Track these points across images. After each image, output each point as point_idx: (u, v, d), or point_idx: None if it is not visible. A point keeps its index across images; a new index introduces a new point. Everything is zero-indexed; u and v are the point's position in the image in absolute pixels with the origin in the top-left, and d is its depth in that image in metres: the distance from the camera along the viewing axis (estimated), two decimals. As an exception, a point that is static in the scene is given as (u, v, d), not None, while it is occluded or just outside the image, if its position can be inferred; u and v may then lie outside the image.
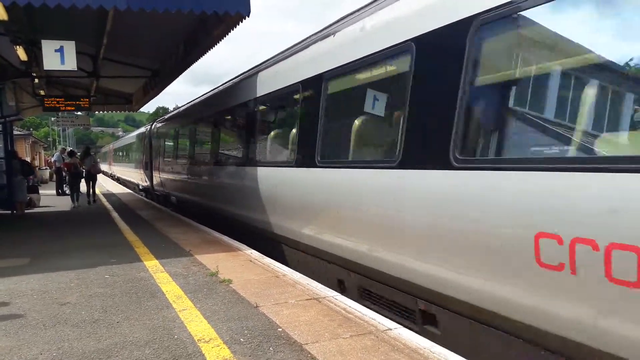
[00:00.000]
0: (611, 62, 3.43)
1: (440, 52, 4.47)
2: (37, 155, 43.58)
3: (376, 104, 5.85)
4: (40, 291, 5.88)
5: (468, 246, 4.02)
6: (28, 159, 28.74)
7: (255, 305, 5.07)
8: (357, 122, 5.91)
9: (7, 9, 8.06)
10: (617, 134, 3.49)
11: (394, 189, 4.90)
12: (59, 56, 9.49)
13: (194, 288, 5.81)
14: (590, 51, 3.53)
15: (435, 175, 4.37)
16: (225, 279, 6.13)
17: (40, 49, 9.70)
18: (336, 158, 6.34)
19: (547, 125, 3.97)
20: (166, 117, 20.35)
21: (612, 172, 3.01)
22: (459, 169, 4.09)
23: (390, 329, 4.29)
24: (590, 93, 3.50)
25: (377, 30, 5.42)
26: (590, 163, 3.24)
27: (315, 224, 6.55)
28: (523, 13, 3.72)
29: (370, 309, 5.10)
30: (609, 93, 3.52)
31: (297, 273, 6.54)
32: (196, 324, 4.57)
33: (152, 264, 7.17)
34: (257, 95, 8.81)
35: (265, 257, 7.56)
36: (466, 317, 4.22)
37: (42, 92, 17.43)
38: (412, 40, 4.79)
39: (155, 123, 22.17)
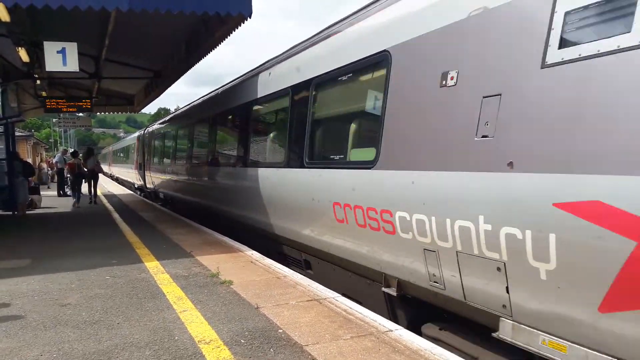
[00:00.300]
0: None
1: (301, 97, 7.03)
2: (38, 156, 43.70)
3: (273, 125, 8.92)
4: (41, 292, 5.88)
5: (309, 214, 6.57)
6: (30, 160, 28.82)
7: (256, 306, 5.06)
8: (271, 135, 8.79)
9: (10, 10, 8.08)
10: (356, 150, 5.80)
11: (283, 181, 7.51)
12: (61, 57, 9.51)
13: (195, 289, 5.81)
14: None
15: (297, 171, 6.96)
16: (226, 280, 6.12)
17: (42, 50, 9.72)
18: (261, 160, 8.90)
19: (335, 142, 6.46)
20: (155, 124, 23.37)
21: (350, 169, 5.66)
22: (307, 168, 6.58)
23: (391, 330, 4.29)
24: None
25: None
26: (342, 164, 5.92)
27: (254, 209, 8.78)
28: None
29: (287, 266, 7.30)
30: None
31: (298, 274, 6.54)
32: (197, 325, 4.57)
33: (153, 265, 7.17)
34: (216, 113, 11.97)
35: (266, 258, 7.56)
36: (321, 259, 6.77)
37: (43, 94, 17.45)
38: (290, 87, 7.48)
39: (146, 129, 25.45)
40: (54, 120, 39.33)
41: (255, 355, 3.84)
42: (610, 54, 3.00)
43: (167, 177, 17.47)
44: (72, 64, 9.56)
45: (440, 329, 4.71)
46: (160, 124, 21.15)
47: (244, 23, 8.82)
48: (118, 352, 3.97)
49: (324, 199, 6.07)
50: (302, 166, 6.75)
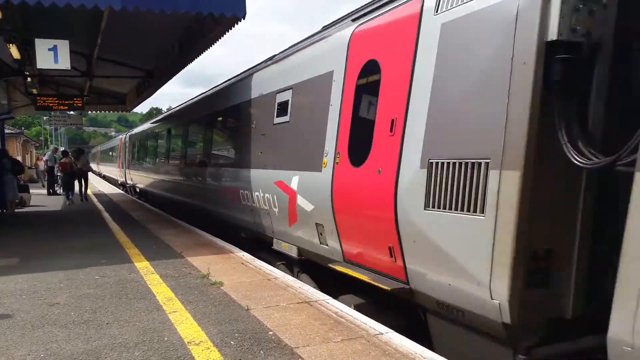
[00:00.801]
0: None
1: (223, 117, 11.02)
2: (28, 154, 43.36)
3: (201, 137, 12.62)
4: (29, 291, 5.83)
5: (221, 196, 10.11)
6: (19, 158, 28.55)
7: (246, 308, 5.05)
8: (201, 143, 12.70)
9: (1, 7, 8.02)
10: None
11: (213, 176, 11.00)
12: (52, 55, 9.45)
13: (185, 290, 5.78)
14: None
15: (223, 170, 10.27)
16: (217, 281, 6.10)
17: (33, 47, 9.66)
18: (195, 162, 12.71)
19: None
20: (132, 131, 29.18)
21: (237, 168, 9.18)
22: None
23: (382, 334, 4.29)
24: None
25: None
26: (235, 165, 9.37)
27: (194, 195, 12.78)
28: None
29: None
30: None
31: (289, 276, 6.54)
32: (186, 326, 4.54)
33: (143, 265, 7.13)
34: (170, 127, 16.23)
35: (256, 259, 7.55)
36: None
37: (34, 91, 17.32)
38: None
39: (127, 133, 31.08)
40: (45, 118, 39.07)
41: (245, 357, 3.83)
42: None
43: (141, 174, 21.50)
44: (64, 62, 9.51)
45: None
46: (136, 131, 26.46)
47: (238, 24, 8.82)
48: (107, 353, 3.94)
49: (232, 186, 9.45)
50: (231, 166, 9.80)
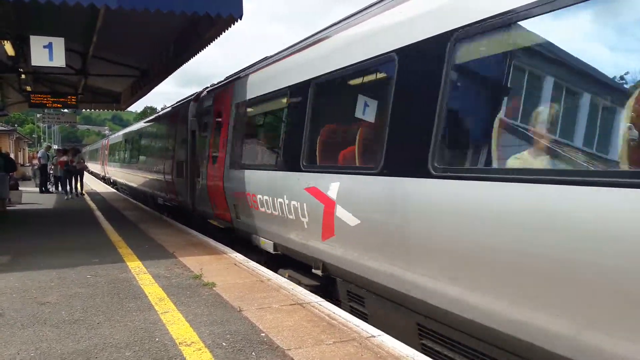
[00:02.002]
0: None
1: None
2: (21, 151, 43.05)
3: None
4: (20, 290, 5.79)
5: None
6: (12, 155, 28.33)
7: (238, 309, 5.03)
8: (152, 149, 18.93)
9: (-4, 3, 7.97)
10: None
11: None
12: (47, 52, 9.39)
13: (177, 290, 5.76)
14: None
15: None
16: (209, 282, 6.08)
17: (28, 44, 9.59)
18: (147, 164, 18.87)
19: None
20: (112, 135, 38.83)
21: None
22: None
23: (374, 336, 4.29)
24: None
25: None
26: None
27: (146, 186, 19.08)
28: None
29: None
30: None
31: (282, 278, 6.52)
32: (178, 326, 4.52)
33: (135, 265, 7.09)
34: (129, 137, 24.55)
35: (250, 260, 7.52)
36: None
37: (28, 88, 17.21)
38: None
39: (106, 138, 43.42)
40: (38, 115, 38.86)
41: (237, 358, 3.81)
42: None
43: (113, 169, 30.05)
44: (59, 60, 9.45)
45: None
46: (111, 138, 35.60)
47: (234, 24, 8.81)
48: (97, 353, 3.92)
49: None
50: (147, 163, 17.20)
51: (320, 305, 5.23)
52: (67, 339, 4.23)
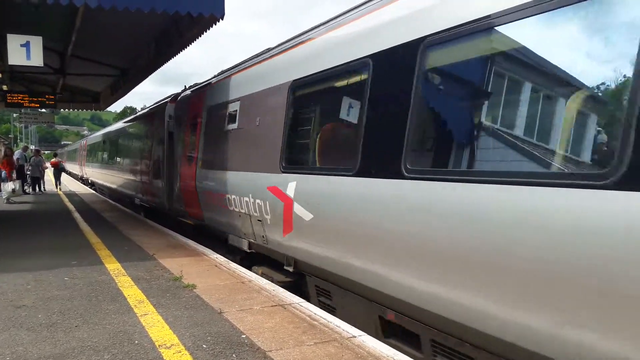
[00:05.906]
0: None
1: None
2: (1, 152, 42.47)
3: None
4: (-5, 293, 5.68)
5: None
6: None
7: (219, 311, 5.01)
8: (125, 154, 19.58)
9: (-28, 0, 7.81)
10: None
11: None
12: (24, 51, 9.22)
13: (157, 293, 5.70)
14: None
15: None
16: (189, 284, 6.04)
17: (5, 43, 9.42)
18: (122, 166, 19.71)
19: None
20: (89, 136, 40.33)
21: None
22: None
23: (355, 337, 4.30)
24: None
25: None
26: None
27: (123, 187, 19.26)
28: None
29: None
30: None
31: (263, 279, 6.51)
32: (158, 329, 4.48)
33: (114, 267, 7.00)
34: (105, 139, 25.16)
35: (231, 262, 7.49)
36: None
37: (5, 87, 16.88)
38: None
39: (83, 139, 44.39)
40: (15, 115, 38.14)
41: (217, 360, 3.79)
42: None
43: (91, 170, 30.33)
44: (37, 59, 9.29)
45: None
46: (90, 138, 36.76)
47: (216, 24, 8.76)
48: (75, 356, 3.86)
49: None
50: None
51: (301, 306, 5.23)
52: (43, 342, 4.16)
